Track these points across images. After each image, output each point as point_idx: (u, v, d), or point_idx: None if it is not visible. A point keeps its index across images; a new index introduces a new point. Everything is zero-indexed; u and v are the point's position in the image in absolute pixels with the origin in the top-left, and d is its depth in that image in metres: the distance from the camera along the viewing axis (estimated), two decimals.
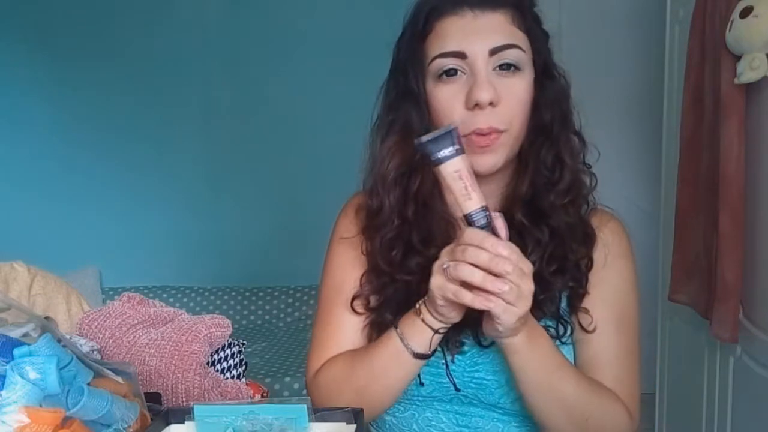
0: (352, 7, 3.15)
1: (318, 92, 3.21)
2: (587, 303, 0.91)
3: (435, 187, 0.91)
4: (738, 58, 1.53)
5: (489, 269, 0.72)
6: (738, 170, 1.59)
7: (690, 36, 1.84)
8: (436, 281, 0.77)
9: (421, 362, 0.85)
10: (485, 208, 0.74)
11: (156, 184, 3.35)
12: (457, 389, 0.90)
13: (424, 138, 0.74)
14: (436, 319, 0.81)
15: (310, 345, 0.99)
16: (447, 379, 0.90)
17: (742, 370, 1.70)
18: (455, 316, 0.80)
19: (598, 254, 0.92)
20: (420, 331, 0.82)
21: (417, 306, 0.82)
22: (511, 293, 0.72)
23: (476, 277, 0.72)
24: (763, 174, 1.56)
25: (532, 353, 0.81)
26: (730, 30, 1.53)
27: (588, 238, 0.91)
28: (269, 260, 3.34)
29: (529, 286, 0.74)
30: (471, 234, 0.73)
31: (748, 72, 1.50)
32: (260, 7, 3.26)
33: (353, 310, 0.94)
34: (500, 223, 0.75)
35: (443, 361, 0.90)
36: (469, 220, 0.74)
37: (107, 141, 3.31)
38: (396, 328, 0.84)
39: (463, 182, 0.73)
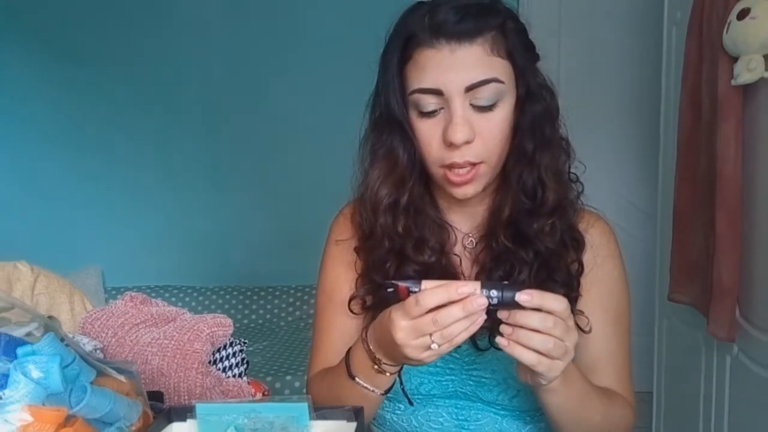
0: (353, 9, 3.16)
1: (319, 93, 3.21)
2: (582, 305, 0.92)
3: (426, 194, 0.93)
4: (735, 59, 1.53)
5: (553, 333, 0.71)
6: (735, 171, 1.59)
7: (687, 37, 1.84)
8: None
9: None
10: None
11: (158, 184, 3.35)
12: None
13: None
14: (394, 366, 0.81)
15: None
16: (446, 377, 0.92)
17: (738, 369, 1.70)
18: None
19: (588, 257, 0.93)
20: (384, 379, 0.82)
21: (376, 366, 0.80)
22: (558, 349, 0.71)
23: (550, 344, 0.71)
24: (760, 175, 1.57)
25: (567, 390, 0.80)
26: (727, 31, 1.53)
27: (577, 244, 0.92)
28: (271, 260, 3.35)
29: (574, 339, 0.73)
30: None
31: (745, 73, 1.50)
32: (262, 8, 3.26)
33: (350, 310, 0.96)
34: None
35: (440, 362, 0.90)
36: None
37: (109, 141, 3.32)
38: (353, 378, 0.83)
39: None
